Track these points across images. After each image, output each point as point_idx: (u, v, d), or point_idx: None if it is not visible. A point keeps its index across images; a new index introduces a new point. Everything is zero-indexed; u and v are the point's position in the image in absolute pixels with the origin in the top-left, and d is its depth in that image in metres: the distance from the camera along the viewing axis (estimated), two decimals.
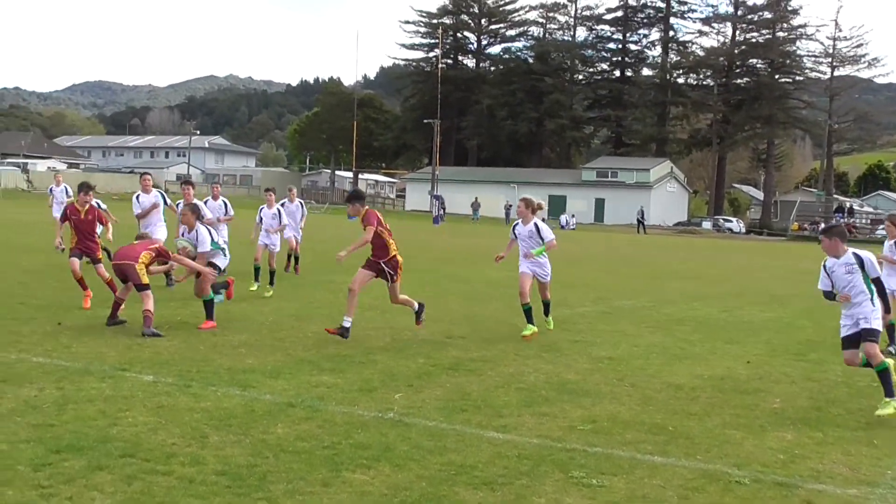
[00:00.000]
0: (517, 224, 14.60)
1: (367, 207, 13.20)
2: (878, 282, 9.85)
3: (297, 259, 22.68)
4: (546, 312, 14.98)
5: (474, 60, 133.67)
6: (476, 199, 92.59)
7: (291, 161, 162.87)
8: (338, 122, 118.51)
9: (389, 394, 9.85)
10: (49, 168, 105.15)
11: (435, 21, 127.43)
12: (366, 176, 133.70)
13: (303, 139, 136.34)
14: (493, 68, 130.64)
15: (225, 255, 14.64)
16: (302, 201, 23.20)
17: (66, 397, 9.03)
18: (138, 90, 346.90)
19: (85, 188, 15.24)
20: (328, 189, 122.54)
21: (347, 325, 12.91)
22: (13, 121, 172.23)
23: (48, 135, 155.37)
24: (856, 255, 9.86)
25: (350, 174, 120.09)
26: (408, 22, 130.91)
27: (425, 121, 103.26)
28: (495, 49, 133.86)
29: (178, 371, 10.45)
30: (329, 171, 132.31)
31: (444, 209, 79.70)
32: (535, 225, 14.33)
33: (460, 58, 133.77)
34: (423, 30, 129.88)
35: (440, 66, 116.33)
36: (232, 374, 10.47)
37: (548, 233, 14.33)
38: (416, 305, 13.72)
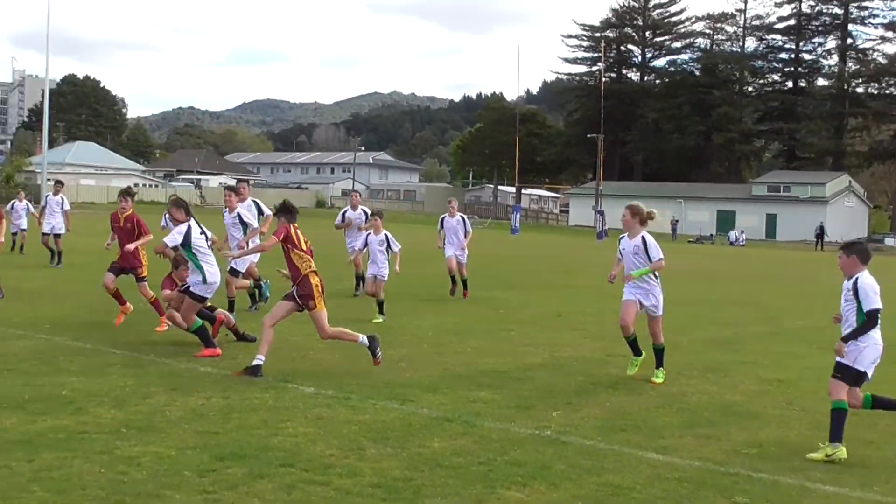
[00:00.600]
0: (622, 237, 12.01)
1: (285, 222, 11.47)
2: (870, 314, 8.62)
3: (465, 283, 20.36)
4: (658, 363, 11.87)
5: (639, 74, 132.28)
6: None
7: (455, 176, 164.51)
8: (500, 137, 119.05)
9: (547, 411, 9.83)
10: (220, 184, 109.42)
11: (598, 35, 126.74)
12: (529, 191, 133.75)
13: (465, 155, 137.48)
14: (658, 81, 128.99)
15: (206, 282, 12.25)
16: (464, 216, 21.12)
17: (231, 406, 9.38)
18: (305, 108, 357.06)
19: (123, 195, 14.97)
20: (491, 204, 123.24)
21: (257, 363, 10.98)
22: (188, 139, 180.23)
23: (220, 152, 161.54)
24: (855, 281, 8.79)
25: (513, 189, 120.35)
26: (570, 36, 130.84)
27: (588, 135, 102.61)
28: (660, 62, 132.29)
29: (339, 384, 10.69)
30: (492, 186, 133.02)
31: (605, 224, 78.98)
32: (643, 239, 11.65)
33: (624, 71, 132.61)
34: (585, 43, 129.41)
35: (603, 79, 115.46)
36: (390, 388, 10.64)
37: (656, 250, 11.52)
38: (362, 339, 11.60)
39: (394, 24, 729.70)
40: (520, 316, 14.99)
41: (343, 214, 20.63)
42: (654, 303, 11.68)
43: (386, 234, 16.63)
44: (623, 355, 13.22)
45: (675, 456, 8.36)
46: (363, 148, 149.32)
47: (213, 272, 12.30)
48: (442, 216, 20.83)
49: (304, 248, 11.38)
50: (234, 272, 15.40)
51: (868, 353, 8.62)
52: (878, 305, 8.61)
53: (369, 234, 17.00)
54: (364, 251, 17.40)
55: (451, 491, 7.02)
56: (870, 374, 8.71)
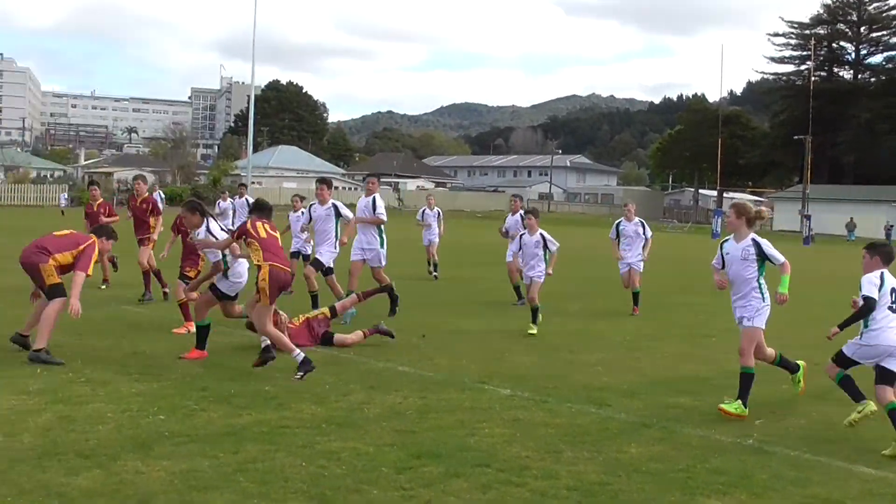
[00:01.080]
0: (727, 241, 10.29)
1: (254, 218, 11.41)
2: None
3: (636, 297, 18.21)
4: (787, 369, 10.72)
5: (851, 72, 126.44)
6: (851, 219, 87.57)
7: (653, 180, 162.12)
8: (701, 139, 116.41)
9: (749, 419, 9.53)
10: (418, 187, 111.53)
11: (807, 32, 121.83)
12: (731, 194, 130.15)
13: (665, 157, 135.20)
14: (873, 79, 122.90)
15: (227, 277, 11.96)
16: (642, 220, 18.77)
17: (428, 406, 9.53)
18: (502, 111, 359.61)
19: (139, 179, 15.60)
20: (691, 208, 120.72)
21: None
22: (386, 142, 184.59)
23: (417, 155, 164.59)
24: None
25: (714, 193, 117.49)
26: (777, 34, 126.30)
27: (795, 137, 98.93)
28: (876, 59, 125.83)
29: (535, 386, 10.69)
30: (692, 189, 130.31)
31: (811, 229, 76.08)
32: (754, 242, 9.91)
33: (835, 69, 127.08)
34: (793, 42, 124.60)
35: (812, 79, 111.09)
36: (588, 392, 10.57)
37: (775, 254, 9.87)
38: (297, 355, 10.66)
39: (591, 27, 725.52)
40: (721, 322, 14.58)
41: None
42: (749, 315, 9.90)
43: (542, 234, 15.42)
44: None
45: (889, 470, 7.95)
46: (560, 151, 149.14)
47: (240, 271, 12.07)
48: (617, 220, 18.91)
49: (261, 236, 11.02)
50: (317, 264, 15.59)
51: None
52: (872, 294, 9.07)
53: (524, 234, 15.90)
54: (519, 254, 16.22)
55: (648, 497, 6.91)
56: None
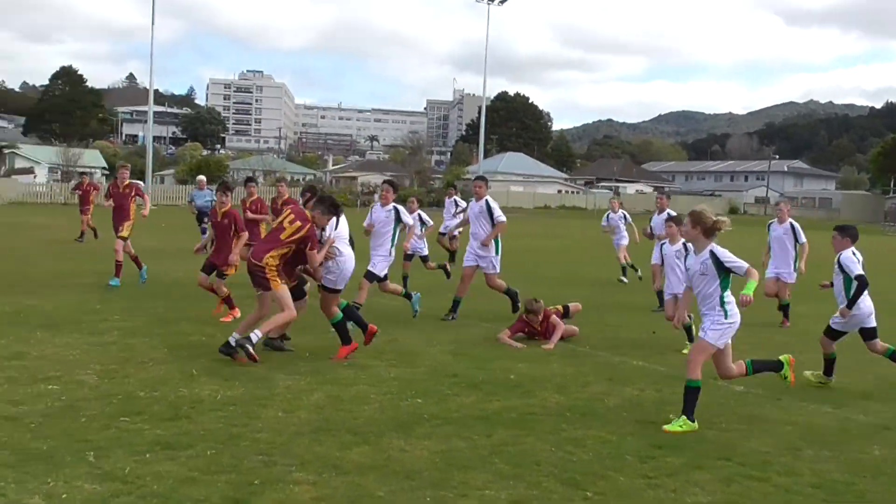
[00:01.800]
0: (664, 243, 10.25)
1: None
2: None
3: (785, 309, 15.46)
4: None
5: None
6: None
7: (874, 184, 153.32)
8: None
9: None
10: (637, 191, 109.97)
11: None
12: None
13: (887, 161, 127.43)
14: None
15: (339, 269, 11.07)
16: (794, 222, 15.62)
17: (664, 399, 9.37)
18: (718, 118, 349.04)
19: (223, 189, 13.81)
20: None
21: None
22: (606, 149, 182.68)
23: (636, 161, 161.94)
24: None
25: None
26: None
27: None
28: None
29: (768, 384, 10.25)
30: None
31: None
32: (712, 253, 8.53)
33: None
34: None
35: None
36: (821, 392, 10.14)
37: (737, 264, 8.46)
38: (231, 339, 10.28)
39: (811, 35, 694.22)
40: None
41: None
42: (704, 326, 8.60)
43: (684, 244, 12.17)
44: None
45: None
46: (777, 156, 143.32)
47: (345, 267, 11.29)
48: (770, 221, 15.97)
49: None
50: (371, 276, 13.70)
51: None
52: (861, 271, 10.24)
53: (664, 243, 13.32)
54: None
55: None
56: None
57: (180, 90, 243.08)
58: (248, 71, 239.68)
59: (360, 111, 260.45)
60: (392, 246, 13.87)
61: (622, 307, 16.54)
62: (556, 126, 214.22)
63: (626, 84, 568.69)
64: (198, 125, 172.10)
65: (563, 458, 7.16)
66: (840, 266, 10.43)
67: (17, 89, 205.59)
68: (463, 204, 26.60)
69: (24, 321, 12.39)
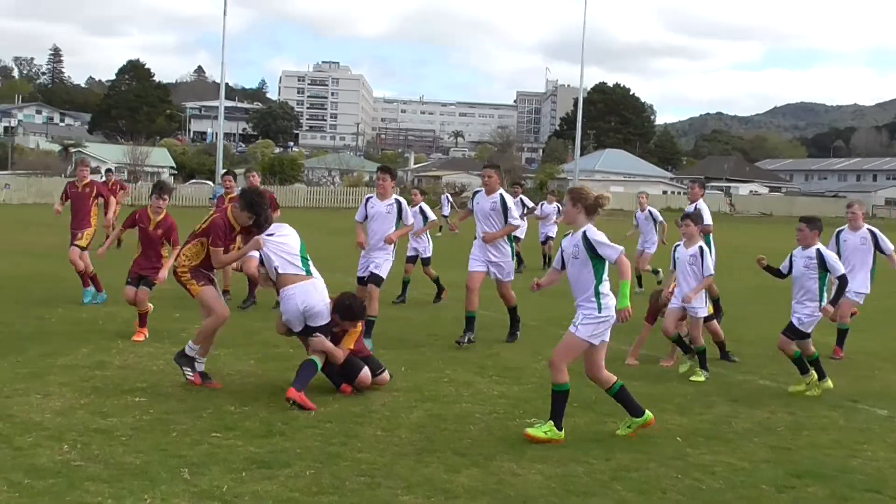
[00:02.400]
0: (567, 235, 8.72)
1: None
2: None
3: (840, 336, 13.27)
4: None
5: None
6: None
7: None
8: None
9: None
10: (751, 192, 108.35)
11: None
12: None
13: None
14: None
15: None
16: (872, 229, 13.43)
17: (799, 423, 9.25)
18: (842, 110, 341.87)
19: (158, 191, 13.00)
20: None
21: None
22: (715, 145, 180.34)
23: (749, 158, 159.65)
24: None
25: None
26: None
27: None
28: None
29: None
30: None
31: None
32: (584, 236, 8.28)
33: None
34: None
35: None
36: None
37: (609, 251, 8.19)
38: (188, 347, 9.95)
39: None
40: None
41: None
42: (576, 321, 8.31)
43: (701, 248, 11.58)
44: None
45: None
46: None
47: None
48: (839, 229, 13.67)
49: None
50: (377, 280, 12.84)
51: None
52: (844, 270, 10.89)
53: (678, 245, 12.00)
54: None
55: None
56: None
57: (251, 84, 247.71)
58: (323, 62, 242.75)
59: (444, 104, 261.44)
60: (394, 244, 13.10)
61: (739, 319, 16.32)
62: (660, 120, 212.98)
63: (737, 73, 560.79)
64: (269, 121, 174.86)
65: (692, 486, 7.12)
66: (821, 262, 10.65)
67: (83, 85, 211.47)
68: (530, 204, 26.59)
69: (102, 329, 12.80)
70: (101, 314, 14.08)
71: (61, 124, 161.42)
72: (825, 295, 10.69)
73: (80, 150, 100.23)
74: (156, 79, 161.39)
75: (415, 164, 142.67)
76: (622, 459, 7.74)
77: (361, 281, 12.96)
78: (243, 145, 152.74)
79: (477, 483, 7.00)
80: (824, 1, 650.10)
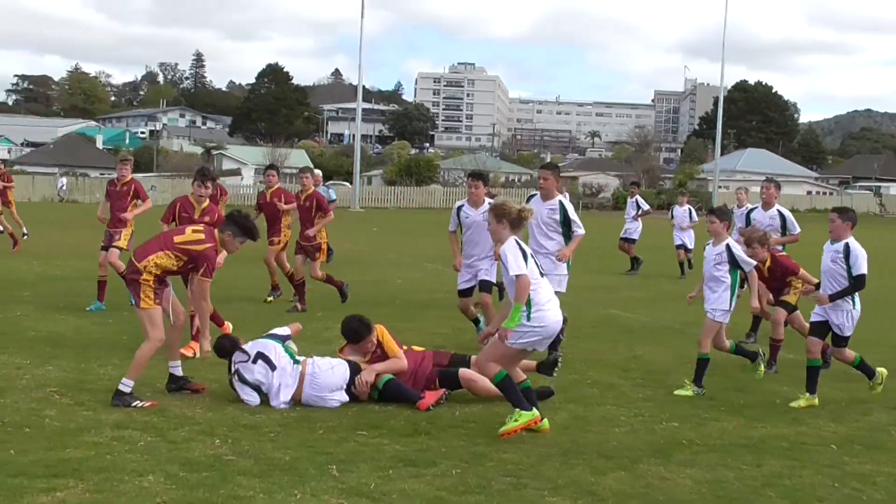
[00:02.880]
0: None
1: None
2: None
3: None
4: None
5: None
6: None
7: None
8: None
9: None
10: None
11: None
12: None
13: None
14: None
15: None
16: None
17: None
18: None
19: (201, 178, 12.34)
20: None
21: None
22: (864, 143, 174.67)
23: None
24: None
25: None
26: None
27: None
28: None
29: None
30: None
31: None
32: (503, 252, 8.33)
33: None
34: None
35: None
36: None
37: (510, 264, 8.10)
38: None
39: None
40: None
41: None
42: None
43: (728, 246, 10.41)
44: None
45: None
46: None
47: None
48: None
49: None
50: (488, 286, 12.31)
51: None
52: (866, 271, 9.81)
53: (708, 244, 10.87)
54: None
55: None
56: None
57: (387, 86, 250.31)
58: (458, 63, 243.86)
59: (580, 104, 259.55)
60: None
61: (886, 320, 15.77)
62: (804, 118, 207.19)
63: (888, 68, 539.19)
64: (405, 122, 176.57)
65: (850, 496, 6.91)
66: (846, 256, 9.86)
67: (224, 89, 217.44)
68: (645, 206, 25.62)
69: (249, 327, 13.09)
70: (248, 312, 14.40)
71: (203, 127, 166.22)
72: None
73: (222, 152, 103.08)
74: (294, 82, 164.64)
75: None
76: (774, 466, 7.57)
77: (465, 293, 12.42)
78: (380, 147, 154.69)
79: (624, 486, 6.93)
80: None
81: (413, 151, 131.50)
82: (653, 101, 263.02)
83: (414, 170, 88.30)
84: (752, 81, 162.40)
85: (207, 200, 12.03)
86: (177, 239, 8.95)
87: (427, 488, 6.67)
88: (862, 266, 9.76)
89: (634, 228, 24.39)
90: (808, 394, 9.74)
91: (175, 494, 6.33)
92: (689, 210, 24.36)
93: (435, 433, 8.16)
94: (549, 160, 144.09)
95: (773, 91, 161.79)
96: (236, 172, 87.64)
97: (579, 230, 11.68)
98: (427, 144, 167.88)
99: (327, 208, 15.70)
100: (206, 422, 8.21)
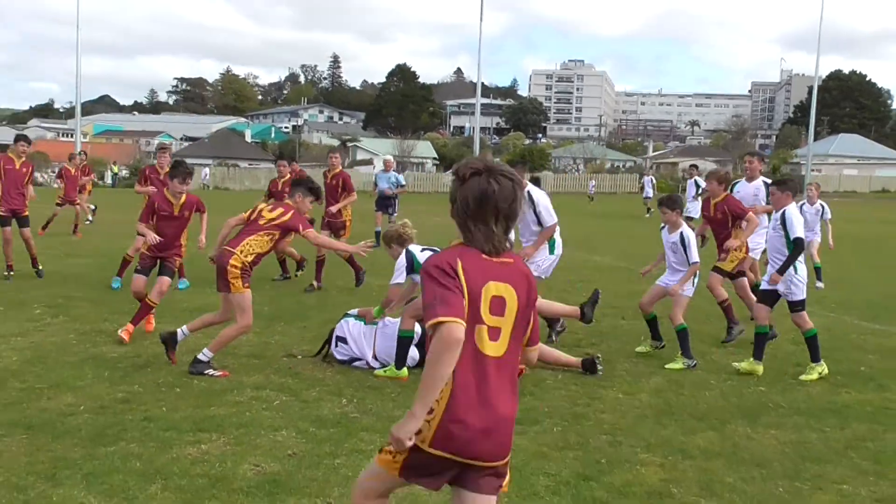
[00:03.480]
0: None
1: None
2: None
3: None
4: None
5: None
6: None
7: None
8: None
9: None
10: None
11: None
12: None
13: None
14: None
15: None
16: None
17: None
18: None
19: (182, 175, 10.72)
20: None
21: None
22: None
23: None
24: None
25: None
26: None
27: None
28: None
29: None
30: None
31: None
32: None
33: None
34: None
35: None
36: None
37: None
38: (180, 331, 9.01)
39: None
40: None
41: None
42: None
43: (682, 234, 9.73)
44: None
45: None
46: None
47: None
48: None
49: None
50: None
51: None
52: (801, 234, 9.17)
53: (663, 228, 10.18)
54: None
55: None
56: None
57: (504, 82, 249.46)
58: (569, 60, 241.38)
59: (682, 96, 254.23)
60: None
61: None
62: None
63: None
64: (520, 115, 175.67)
65: None
66: (783, 223, 9.21)
67: (357, 87, 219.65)
68: (704, 185, 24.53)
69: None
70: (283, 292, 14.50)
71: (339, 122, 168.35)
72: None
73: (356, 144, 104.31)
74: (420, 80, 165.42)
75: (653, 151, 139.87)
76: (858, 429, 7.33)
77: None
78: (497, 138, 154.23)
79: (713, 445, 6.81)
80: None
81: (527, 142, 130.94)
82: (750, 91, 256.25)
83: (528, 157, 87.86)
84: (846, 70, 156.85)
85: (184, 196, 10.64)
86: (261, 223, 8.75)
87: (530, 444, 6.66)
88: (797, 229, 9.10)
89: (694, 208, 24.04)
90: (752, 359, 9.28)
91: (305, 447, 6.46)
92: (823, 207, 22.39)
93: (539, 394, 8.13)
94: (651, 148, 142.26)
95: (867, 79, 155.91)
96: (368, 162, 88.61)
97: (550, 221, 10.33)
98: (540, 135, 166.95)
99: (352, 188, 15.18)
100: (335, 384, 8.34)
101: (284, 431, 6.79)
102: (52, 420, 6.90)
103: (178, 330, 9.00)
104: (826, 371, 9.14)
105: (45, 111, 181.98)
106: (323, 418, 7.17)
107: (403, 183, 23.27)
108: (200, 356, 8.55)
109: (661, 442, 6.84)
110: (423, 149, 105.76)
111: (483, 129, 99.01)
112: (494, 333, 3.60)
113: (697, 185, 24.82)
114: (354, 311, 9.60)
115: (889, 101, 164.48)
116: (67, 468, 5.88)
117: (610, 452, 6.56)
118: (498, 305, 3.60)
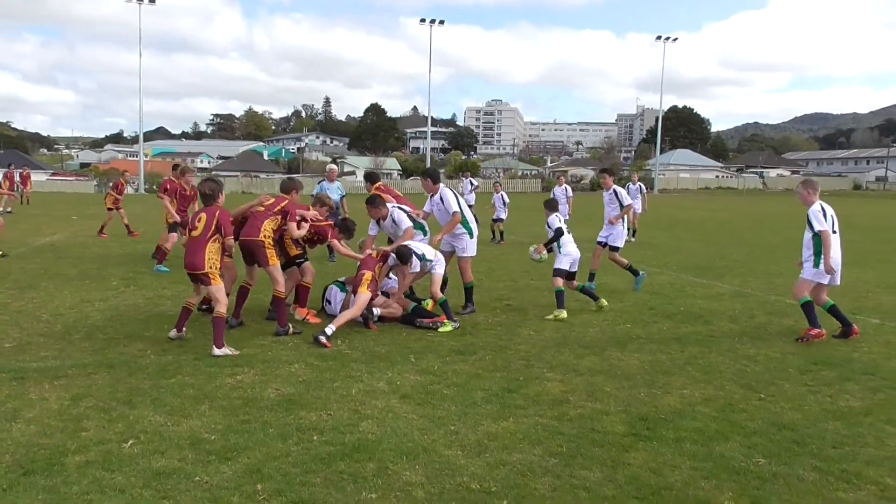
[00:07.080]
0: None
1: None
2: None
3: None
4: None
5: None
6: None
7: None
8: None
9: None
10: (778, 175, 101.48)
11: None
12: None
13: None
14: None
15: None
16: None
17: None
18: (844, 118, 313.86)
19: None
20: None
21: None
22: (753, 144, 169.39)
23: (777, 152, 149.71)
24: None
25: None
26: None
27: None
28: None
29: None
30: None
31: None
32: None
33: None
34: None
35: None
36: None
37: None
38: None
39: None
40: None
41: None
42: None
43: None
44: None
45: None
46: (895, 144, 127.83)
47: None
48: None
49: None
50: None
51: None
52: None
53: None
54: None
55: None
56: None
57: (446, 115, 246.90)
58: (492, 100, 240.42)
59: (569, 124, 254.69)
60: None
61: (773, 260, 15.38)
62: (715, 128, 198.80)
63: (770, 94, 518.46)
64: (458, 139, 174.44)
65: (740, 370, 6.75)
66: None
67: (343, 119, 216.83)
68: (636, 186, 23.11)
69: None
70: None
71: (331, 144, 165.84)
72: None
73: (342, 159, 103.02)
74: (388, 114, 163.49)
75: (550, 163, 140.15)
76: (692, 351, 7.41)
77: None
78: (443, 154, 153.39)
79: (596, 366, 6.84)
80: (834, 40, 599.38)
81: (464, 157, 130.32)
82: (615, 120, 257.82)
83: (464, 168, 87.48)
84: (680, 105, 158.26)
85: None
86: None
87: (471, 368, 6.64)
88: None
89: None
90: (557, 309, 8.94)
91: (312, 375, 6.37)
92: (640, 186, 23.35)
93: (475, 333, 8.09)
94: (549, 161, 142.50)
95: (694, 112, 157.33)
96: (351, 173, 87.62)
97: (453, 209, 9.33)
98: (472, 152, 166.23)
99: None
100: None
101: (297, 364, 6.68)
102: (127, 361, 6.73)
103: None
104: (565, 316, 8.84)
105: (116, 139, 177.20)
106: (324, 354, 7.07)
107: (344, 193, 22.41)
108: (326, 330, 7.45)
109: (559, 364, 6.85)
110: (391, 163, 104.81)
111: (433, 149, 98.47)
112: None
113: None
114: (342, 279, 9.32)
115: (709, 127, 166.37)
116: (140, 395, 5.74)
117: (525, 372, 6.56)
118: None
